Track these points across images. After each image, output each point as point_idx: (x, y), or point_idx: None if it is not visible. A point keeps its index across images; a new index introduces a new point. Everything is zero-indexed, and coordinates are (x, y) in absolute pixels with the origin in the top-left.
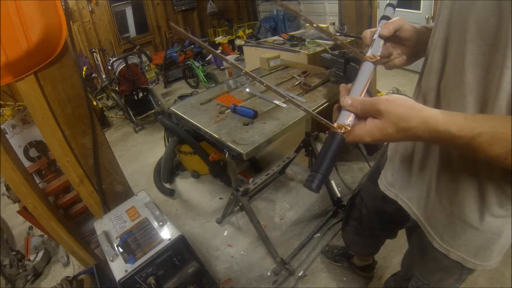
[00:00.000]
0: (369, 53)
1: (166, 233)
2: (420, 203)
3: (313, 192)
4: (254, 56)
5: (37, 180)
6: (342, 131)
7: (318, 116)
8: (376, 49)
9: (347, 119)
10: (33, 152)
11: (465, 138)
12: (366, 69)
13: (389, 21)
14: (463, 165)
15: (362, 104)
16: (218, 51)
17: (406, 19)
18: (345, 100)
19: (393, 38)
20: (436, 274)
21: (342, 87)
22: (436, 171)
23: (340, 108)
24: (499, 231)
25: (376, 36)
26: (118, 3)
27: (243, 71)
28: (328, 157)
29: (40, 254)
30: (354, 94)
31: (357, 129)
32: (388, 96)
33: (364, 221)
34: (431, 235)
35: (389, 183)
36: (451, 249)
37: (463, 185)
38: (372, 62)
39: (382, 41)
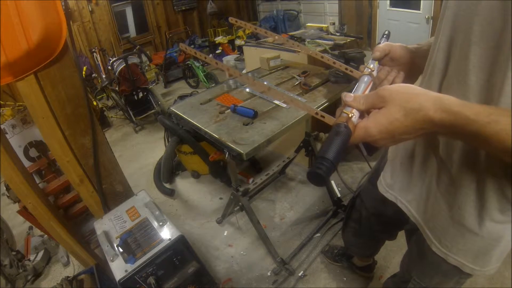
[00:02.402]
0: (365, 70)
1: (166, 233)
2: (419, 206)
3: (317, 185)
4: (254, 56)
5: (37, 180)
6: (345, 121)
7: (317, 110)
8: (371, 65)
9: (349, 112)
10: (33, 152)
11: (480, 123)
12: (363, 79)
13: (378, 45)
14: (464, 169)
15: (365, 98)
16: (218, 51)
17: (393, 43)
18: (347, 96)
19: (388, 61)
20: (435, 278)
21: (344, 93)
22: (436, 174)
23: (341, 110)
24: (498, 236)
25: (371, 59)
26: (118, 3)
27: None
28: (335, 144)
29: (40, 254)
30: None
31: (361, 123)
32: (391, 85)
33: (363, 223)
34: (430, 238)
35: (389, 185)
36: (449, 254)
37: (463, 189)
38: (369, 75)
39: (376, 62)
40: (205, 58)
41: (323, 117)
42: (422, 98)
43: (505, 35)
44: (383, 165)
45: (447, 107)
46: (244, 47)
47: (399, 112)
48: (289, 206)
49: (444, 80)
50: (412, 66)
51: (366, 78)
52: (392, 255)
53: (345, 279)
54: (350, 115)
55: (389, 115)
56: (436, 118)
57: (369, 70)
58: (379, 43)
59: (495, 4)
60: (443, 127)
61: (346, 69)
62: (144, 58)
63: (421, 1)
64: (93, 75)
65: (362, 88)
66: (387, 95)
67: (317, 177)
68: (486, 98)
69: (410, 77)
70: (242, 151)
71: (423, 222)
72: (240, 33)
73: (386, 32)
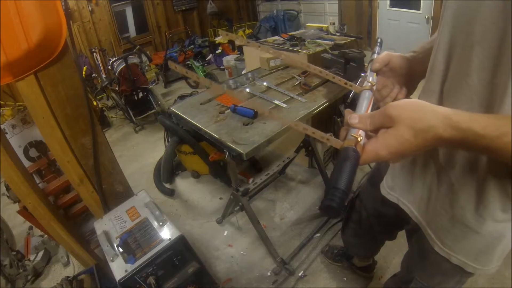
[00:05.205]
0: (364, 84)
1: (166, 233)
2: (421, 207)
3: (331, 217)
4: (254, 56)
5: (37, 180)
6: (353, 144)
7: (320, 132)
8: (370, 78)
9: (356, 133)
10: (33, 152)
11: (488, 138)
12: (364, 95)
13: (378, 56)
14: (465, 168)
15: (371, 117)
16: (218, 51)
17: (393, 53)
18: (352, 118)
19: (388, 72)
20: (436, 277)
21: (347, 111)
22: (438, 175)
23: (347, 130)
24: (500, 235)
25: (369, 71)
26: (118, 3)
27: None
28: (346, 171)
29: (40, 254)
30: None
31: (369, 146)
32: (398, 101)
33: (363, 224)
34: (432, 238)
35: (390, 187)
36: (452, 253)
37: (465, 189)
38: (370, 90)
39: (374, 74)
40: (198, 78)
41: (329, 140)
42: (431, 117)
43: (508, 36)
44: (383, 166)
45: (456, 125)
46: (244, 47)
47: (409, 133)
48: (289, 206)
49: (446, 81)
50: (411, 76)
51: (367, 94)
52: (392, 255)
53: (345, 279)
54: (358, 139)
55: (399, 136)
56: (445, 136)
57: (370, 84)
58: (375, 52)
59: (498, 3)
60: (453, 143)
61: (346, 83)
62: (144, 58)
63: (421, 1)
64: (93, 75)
65: (365, 105)
66: (395, 115)
67: (331, 210)
68: (489, 98)
69: (411, 88)
70: (242, 151)
71: (425, 223)
72: (240, 33)
73: (379, 40)
